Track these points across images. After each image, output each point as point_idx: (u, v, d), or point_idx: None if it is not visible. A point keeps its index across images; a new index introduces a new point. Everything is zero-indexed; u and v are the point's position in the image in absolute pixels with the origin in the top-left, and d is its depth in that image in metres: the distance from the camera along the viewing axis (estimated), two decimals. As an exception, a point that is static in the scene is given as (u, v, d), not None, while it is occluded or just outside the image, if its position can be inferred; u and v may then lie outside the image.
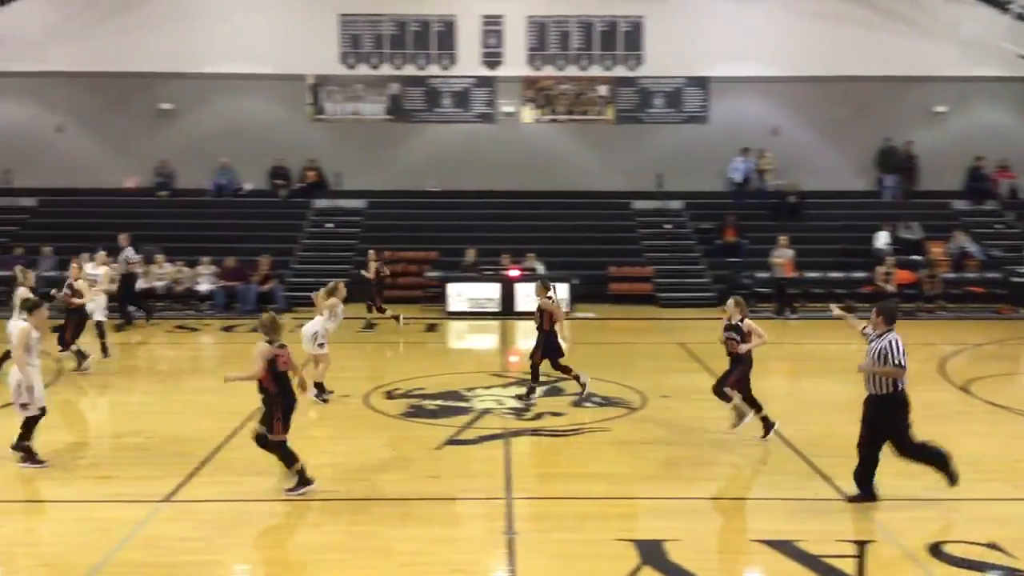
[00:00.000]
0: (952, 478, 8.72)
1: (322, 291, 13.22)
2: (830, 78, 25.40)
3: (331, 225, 24.64)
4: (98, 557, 7.42)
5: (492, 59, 25.92)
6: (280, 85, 25.67)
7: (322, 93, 25.95)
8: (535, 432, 11.28)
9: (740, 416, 10.66)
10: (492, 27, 25.84)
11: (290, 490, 8.90)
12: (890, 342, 8.61)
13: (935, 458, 8.76)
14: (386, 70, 25.90)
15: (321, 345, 12.69)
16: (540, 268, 21.99)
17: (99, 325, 15.67)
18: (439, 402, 12.69)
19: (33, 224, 24.29)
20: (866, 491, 8.70)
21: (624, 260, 23.46)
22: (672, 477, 9.71)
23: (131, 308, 19.36)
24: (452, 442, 10.83)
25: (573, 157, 26.05)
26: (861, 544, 7.82)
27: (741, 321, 10.64)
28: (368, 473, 9.69)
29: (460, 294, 21.10)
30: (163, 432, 11.22)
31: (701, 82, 25.92)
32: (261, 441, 8.99)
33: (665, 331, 19.13)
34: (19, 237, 23.32)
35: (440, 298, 21.26)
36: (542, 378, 13.29)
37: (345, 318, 18.87)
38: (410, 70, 25.94)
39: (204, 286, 21.40)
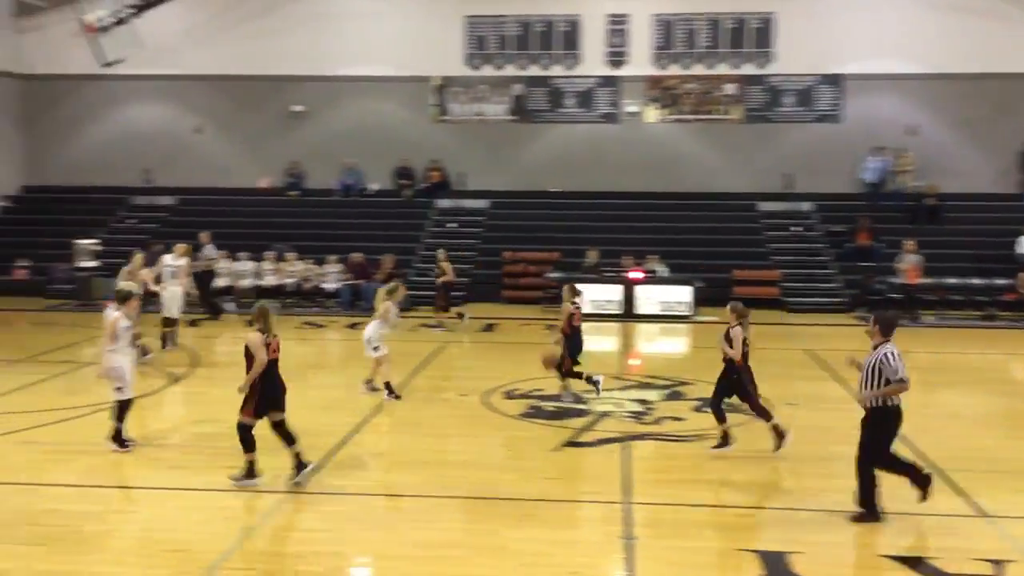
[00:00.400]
0: (865, 516, 8.32)
1: (381, 291, 13.38)
2: (971, 75, 24.24)
3: (454, 225, 24.92)
4: (227, 545, 7.65)
5: (617, 58, 25.74)
6: (406, 87, 26.12)
7: (446, 94, 26.26)
8: (655, 437, 11.12)
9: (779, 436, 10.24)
10: (617, 26, 25.66)
11: (236, 479, 9.07)
12: (885, 355, 8.16)
13: (869, 485, 8.36)
14: (510, 71, 26.04)
15: (376, 348, 12.80)
16: (662, 270, 21.72)
17: (170, 320, 16.15)
18: (558, 403, 12.64)
19: (172, 222, 25.35)
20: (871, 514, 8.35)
21: (749, 263, 22.92)
22: (797, 487, 9.41)
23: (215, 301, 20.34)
24: (570, 444, 10.77)
25: (698, 157, 25.63)
26: (999, 563, 7.40)
27: (732, 328, 10.24)
28: (486, 472, 9.73)
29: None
30: (291, 424, 11.49)
31: (834, 80, 25.12)
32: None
33: (792, 337, 18.59)
34: (158, 234, 24.33)
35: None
36: (663, 382, 13.11)
37: (471, 317, 19.23)
38: (534, 70, 26.00)
39: (330, 284, 21.93)
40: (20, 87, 26.94)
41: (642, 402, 12.72)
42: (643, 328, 20.07)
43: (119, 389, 10.29)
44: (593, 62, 25.80)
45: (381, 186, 26.27)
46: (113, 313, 10.45)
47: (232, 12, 26.15)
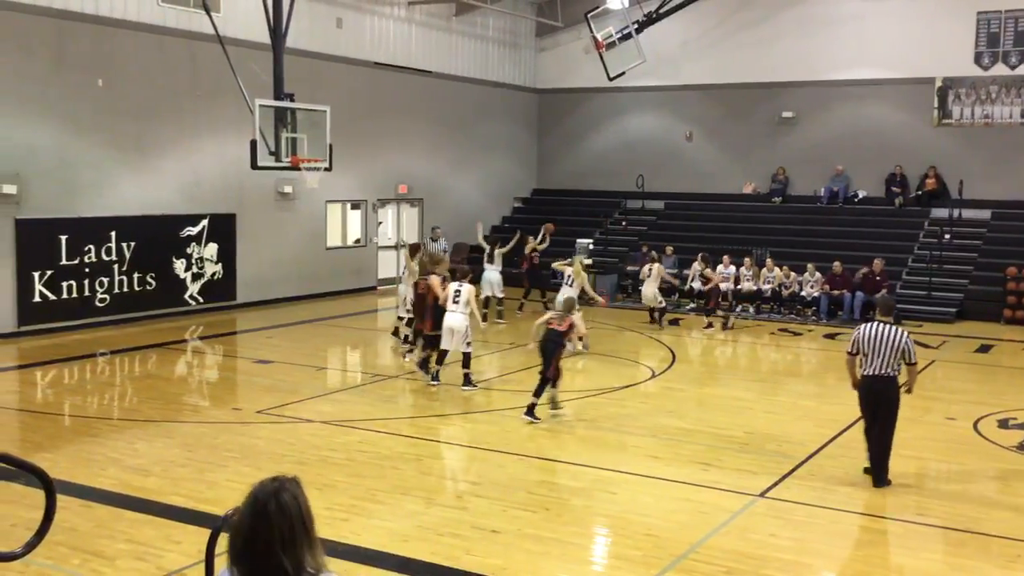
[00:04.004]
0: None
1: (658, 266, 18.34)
2: None
3: (948, 236, 23.15)
4: (696, 537, 7.97)
5: None
6: (904, 90, 24.78)
7: (950, 96, 24.45)
8: None
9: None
10: None
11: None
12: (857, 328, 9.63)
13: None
14: (1026, 69, 23.58)
15: None
16: None
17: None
18: (1063, 440, 11.29)
19: (659, 225, 26.61)
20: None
21: None
22: None
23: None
24: (1078, 487, 9.59)
25: None
26: None
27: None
28: (972, 504, 9.02)
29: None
30: (762, 430, 11.62)
31: None
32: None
33: None
34: (646, 237, 25.69)
35: None
36: None
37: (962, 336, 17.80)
38: (1056, 68, 23.27)
39: (809, 291, 21.52)
40: (537, 101, 30.06)
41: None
42: None
43: (469, 343, 13.43)
44: None
45: (869, 193, 25.23)
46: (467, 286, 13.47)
47: (727, 24, 26.74)
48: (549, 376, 11.75)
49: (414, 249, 17.12)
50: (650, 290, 19.70)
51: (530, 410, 11.63)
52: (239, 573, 2.94)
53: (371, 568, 7.20)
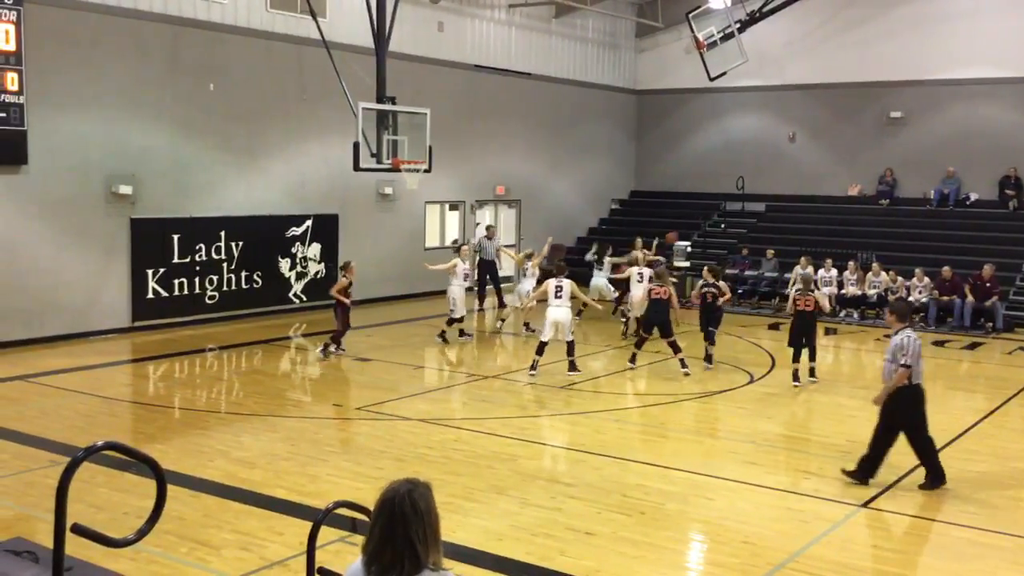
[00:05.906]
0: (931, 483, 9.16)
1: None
2: None
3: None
4: (795, 546, 7.82)
5: None
6: (1020, 89, 23.81)
7: (1070, 95, 23.40)
8: None
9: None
10: None
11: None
12: (904, 338, 9.04)
13: (931, 458, 9.27)
14: None
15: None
16: None
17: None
18: None
19: (759, 228, 26.16)
20: (862, 475, 9.30)
21: None
22: None
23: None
24: None
25: None
26: None
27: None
28: (1090, 522, 8.63)
29: None
30: (865, 439, 11.24)
31: None
32: None
33: None
34: (745, 239, 25.30)
35: None
36: None
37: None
38: None
39: (917, 297, 20.86)
40: (635, 102, 29.89)
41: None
42: None
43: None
44: None
45: (981, 196, 24.33)
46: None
47: (832, 22, 26.13)
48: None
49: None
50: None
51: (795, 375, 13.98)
52: (375, 569, 3.15)
53: (466, 566, 7.27)
